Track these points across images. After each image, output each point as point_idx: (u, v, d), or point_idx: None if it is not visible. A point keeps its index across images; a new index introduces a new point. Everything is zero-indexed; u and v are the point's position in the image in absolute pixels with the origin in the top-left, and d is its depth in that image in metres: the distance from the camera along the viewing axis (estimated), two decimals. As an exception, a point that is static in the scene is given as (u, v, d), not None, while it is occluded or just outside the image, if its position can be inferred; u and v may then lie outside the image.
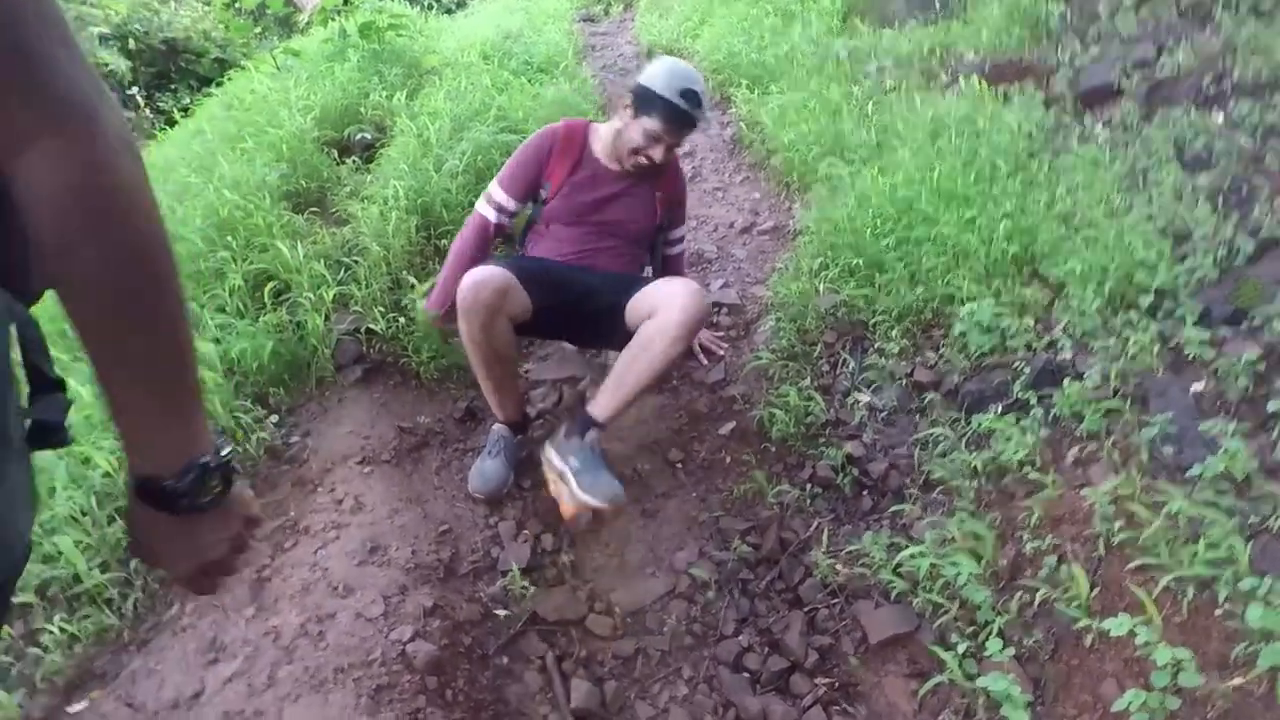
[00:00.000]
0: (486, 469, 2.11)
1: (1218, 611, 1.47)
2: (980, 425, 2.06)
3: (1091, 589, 1.60)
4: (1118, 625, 1.46)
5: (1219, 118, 2.87)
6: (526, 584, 1.83)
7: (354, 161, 3.68)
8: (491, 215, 2.25)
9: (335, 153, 3.72)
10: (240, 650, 1.54)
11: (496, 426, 2.20)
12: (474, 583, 1.84)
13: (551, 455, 1.97)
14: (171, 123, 5.83)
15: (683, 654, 1.78)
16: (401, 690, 1.45)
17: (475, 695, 1.55)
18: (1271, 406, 1.75)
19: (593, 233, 2.21)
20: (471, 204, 3.08)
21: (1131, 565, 1.58)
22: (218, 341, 2.25)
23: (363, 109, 4.18)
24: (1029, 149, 3.05)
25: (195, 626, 1.63)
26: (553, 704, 1.64)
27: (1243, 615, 1.40)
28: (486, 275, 1.90)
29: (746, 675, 1.73)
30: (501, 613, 1.78)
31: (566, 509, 1.94)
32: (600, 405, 1.97)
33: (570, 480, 1.89)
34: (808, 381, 2.39)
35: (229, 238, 2.65)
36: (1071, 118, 3.27)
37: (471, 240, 2.25)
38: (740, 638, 1.80)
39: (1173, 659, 1.37)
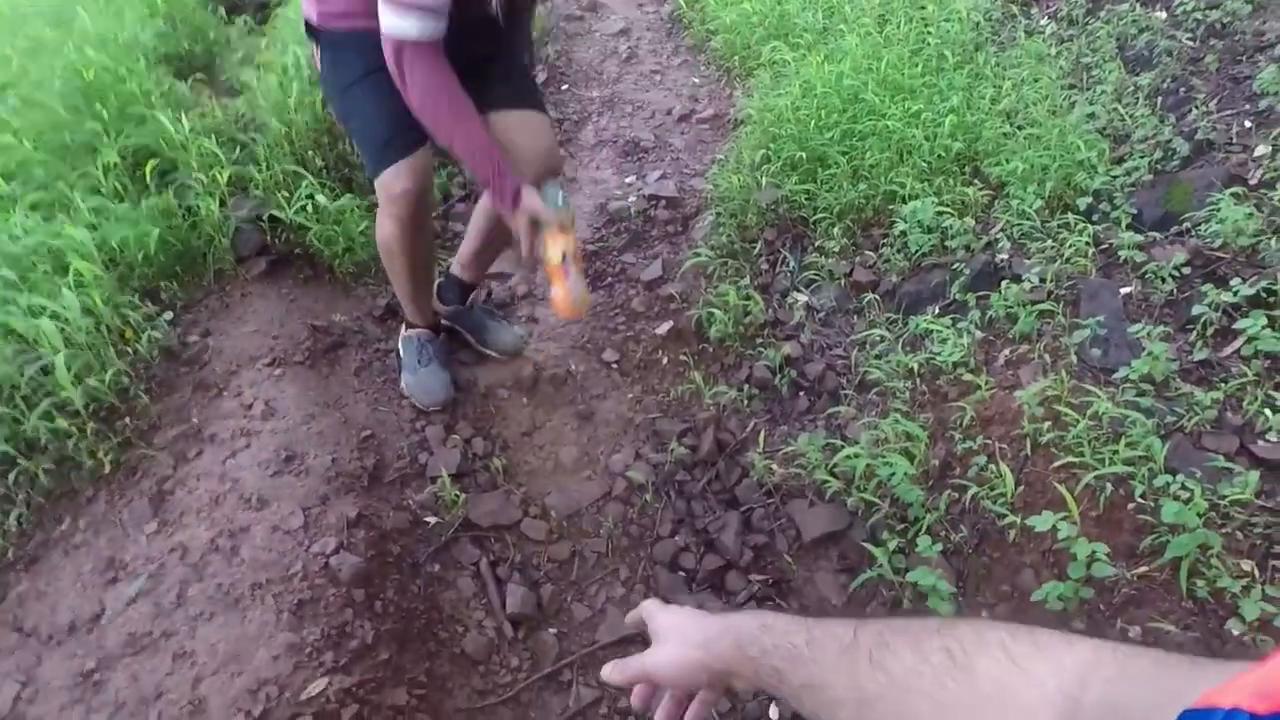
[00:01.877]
0: (428, 380, 1.98)
1: (1130, 506, 1.54)
2: (917, 327, 2.05)
3: (1017, 486, 1.65)
4: (1041, 521, 1.51)
5: (1162, 14, 2.83)
6: (457, 490, 1.76)
7: (246, 22, 3.24)
8: (432, 30, 1.45)
9: (223, 10, 3.26)
10: (143, 569, 1.42)
11: (416, 333, 2.03)
12: (401, 490, 1.76)
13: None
14: (21, -33, 5.00)
15: (619, 555, 1.77)
16: (326, 604, 1.38)
17: (406, 605, 1.50)
18: (1194, 310, 1.80)
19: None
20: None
21: (1056, 464, 1.63)
22: (93, 228, 1.98)
23: (252, -40, 3.66)
24: (976, 40, 2.95)
25: (90, 544, 1.50)
26: (487, 609, 1.61)
27: (1156, 510, 1.47)
28: (414, 177, 1.62)
29: (683, 575, 1.74)
30: (431, 520, 1.72)
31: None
32: (470, 271, 2.14)
33: (473, 344, 2.17)
34: (747, 280, 2.32)
35: (98, 106, 2.30)
36: (1019, 8, 3.17)
37: (453, 89, 1.51)
38: (677, 538, 1.79)
39: (1090, 552, 1.43)
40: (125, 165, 2.21)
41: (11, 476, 1.62)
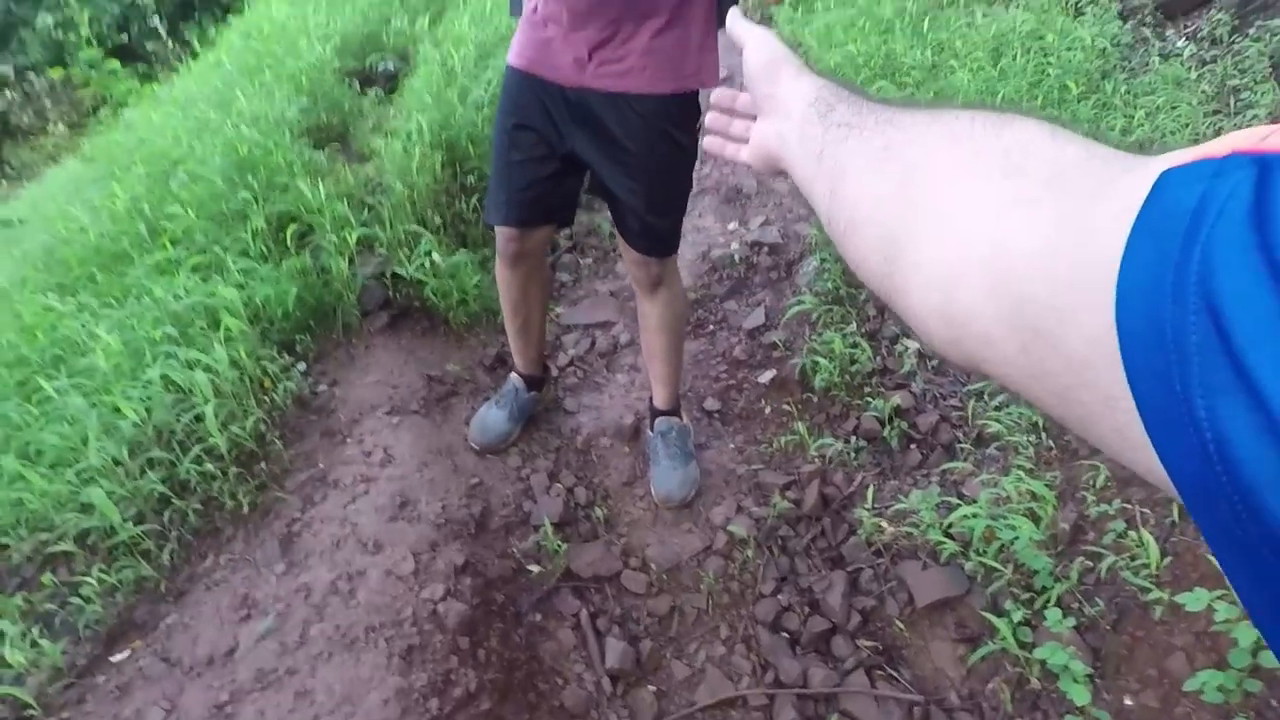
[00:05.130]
0: (489, 420, 2.04)
1: (1304, 585, 1.36)
2: (1041, 376, 1.92)
3: (1163, 558, 1.49)
4: (1193, 599, 1.36)
5: (1325, 29, 2.57)
6: (559, 539, 1.79)
7: (376, 93, 3.54)
8: None
9: (357, 83, 3.57)
10: (272, 607, 1.52)
11: (513, 377, 2.10)
12: (506, 538, 1.80)
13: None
14: (195, 54, 5.69)
15: (720, 613, 1.73)
16: (434, 651, 1.43)
17: (508, 654, 1.53)
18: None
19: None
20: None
21: (1208, 533, 1.46)
22: (241, 287, 2.18)
23: (385, 36, 4.01)
24: (1102, 68, 2.78)
25: (228, 581, 1.62)
26: (587, 662, 1.61)
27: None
28: (518, 240, 1.78)
29: (785, 636, 1.68)
30: (534, 569, 1.75)
31: None
32: (659, 396, 2.01)
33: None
34: (853, 327, 2.25)
35: (250, 177, 2.56)
36: (1152, 31, 2.97)
37: None
38: (779, 597, 1.74)
39: (1256, 639, 1.27)
40: (270, 229, 2.43)
41: (166, 515, 1.79)
